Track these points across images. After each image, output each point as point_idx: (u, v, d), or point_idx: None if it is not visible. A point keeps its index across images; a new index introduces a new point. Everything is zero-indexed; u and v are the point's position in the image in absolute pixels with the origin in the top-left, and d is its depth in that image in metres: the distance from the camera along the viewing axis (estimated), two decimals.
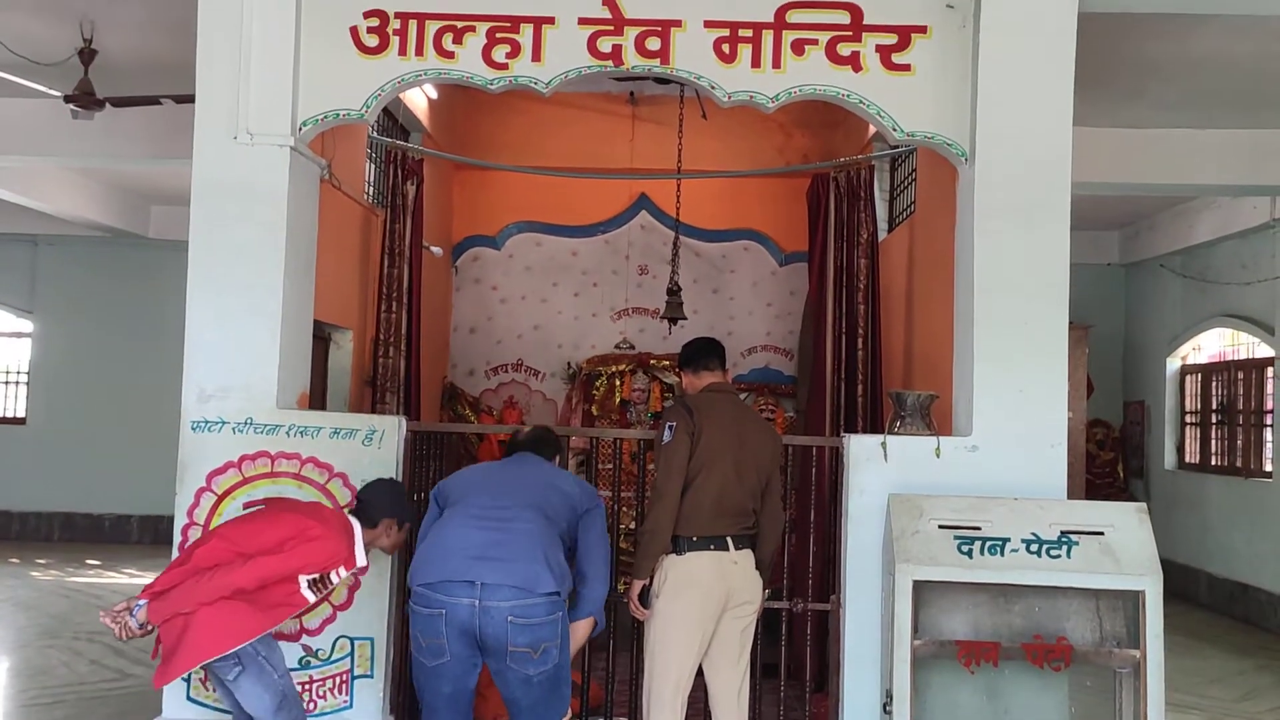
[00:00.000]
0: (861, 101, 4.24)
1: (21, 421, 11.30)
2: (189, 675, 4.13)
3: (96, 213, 10.03)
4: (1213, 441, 9.45)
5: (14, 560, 9.70)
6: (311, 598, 3.44)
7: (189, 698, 4.15)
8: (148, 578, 8.80)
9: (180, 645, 3.32)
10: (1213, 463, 9.42)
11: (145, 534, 11.03)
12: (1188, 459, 9.87)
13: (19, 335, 11.48)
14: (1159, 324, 10.13)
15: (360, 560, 3.53)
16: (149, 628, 3.38)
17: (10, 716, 5.15)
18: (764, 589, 3.93)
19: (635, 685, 4.01)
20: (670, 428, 3.80)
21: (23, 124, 7.11)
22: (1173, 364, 10.01)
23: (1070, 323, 4.24)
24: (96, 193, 10.00)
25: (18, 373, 11.46)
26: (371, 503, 3.67)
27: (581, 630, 3.46)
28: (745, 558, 3.84)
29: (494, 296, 7.61)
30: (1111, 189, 7.35)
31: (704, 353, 4.02)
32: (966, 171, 4.28)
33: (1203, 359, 9.86)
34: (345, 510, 3.75)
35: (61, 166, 8.99)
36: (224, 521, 3.50)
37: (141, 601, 3.39)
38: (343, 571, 3.47)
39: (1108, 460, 10.55)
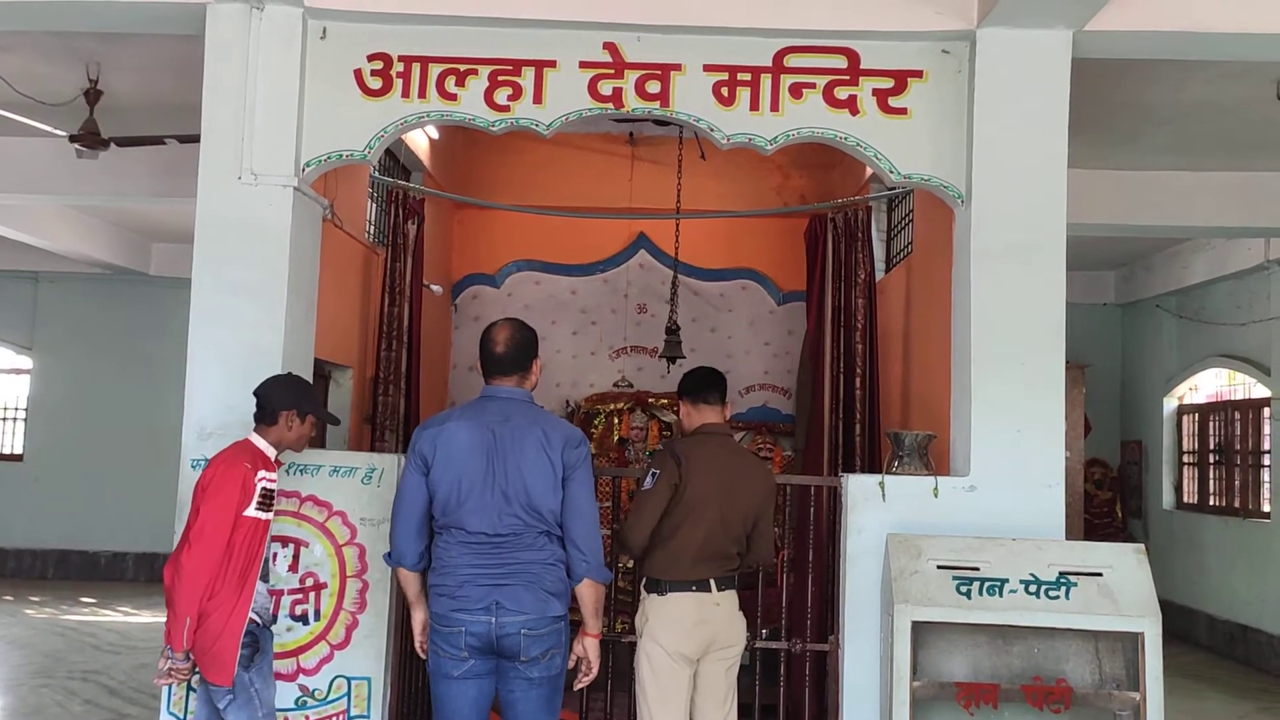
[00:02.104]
0: (859, 144, 4.29)
1: (19, 458, 11.29)
2: (184, 714, 4.10)
3: (98, 250, 10.10)
4: (1211, 481, 9.46)
5: (8, 597, 9.65)
6: (264, 515, 3.45)
7: None
8: (142, 616, 8.83)
9: (212, 644, 3.36)
10: (1211, 503, 9.42)
11: (141, 571, 10.99)
12: (1186, 499, 9.87)
13: (18, 371, 11.50)
14: (1155, 364, 10.17)
15: (271, 454, 3.56)
16: (188, 657, 3.38)
17: None
18: (747, 632, 3.93)
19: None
20: (653, 475, 3.82)
21: (28, 163, 7.19)
22: (1170, 404, 10.04)
23: (1067, 362, 4.26)
24: (98, 230, 10.07)
25: (15, 409, 11.46)
26: (266, 398, 3.63)
27: (587, 592, 3.30)
28: (728, 599, 3.84)
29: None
30: (1107, 230, 7.42)
31: (706, 384, 4.04)
32: (963, 214, 4.33)
33: (1200, 399, 9.89)
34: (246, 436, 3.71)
35: (63, 205, 9.06)
36: None
37: (166, 648, 3.40)
38: (266, 475, 3.47)
39: (1106, 500, 10.55)
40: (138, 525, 10.88)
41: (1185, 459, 9.93)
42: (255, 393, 3.71)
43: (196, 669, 3.45)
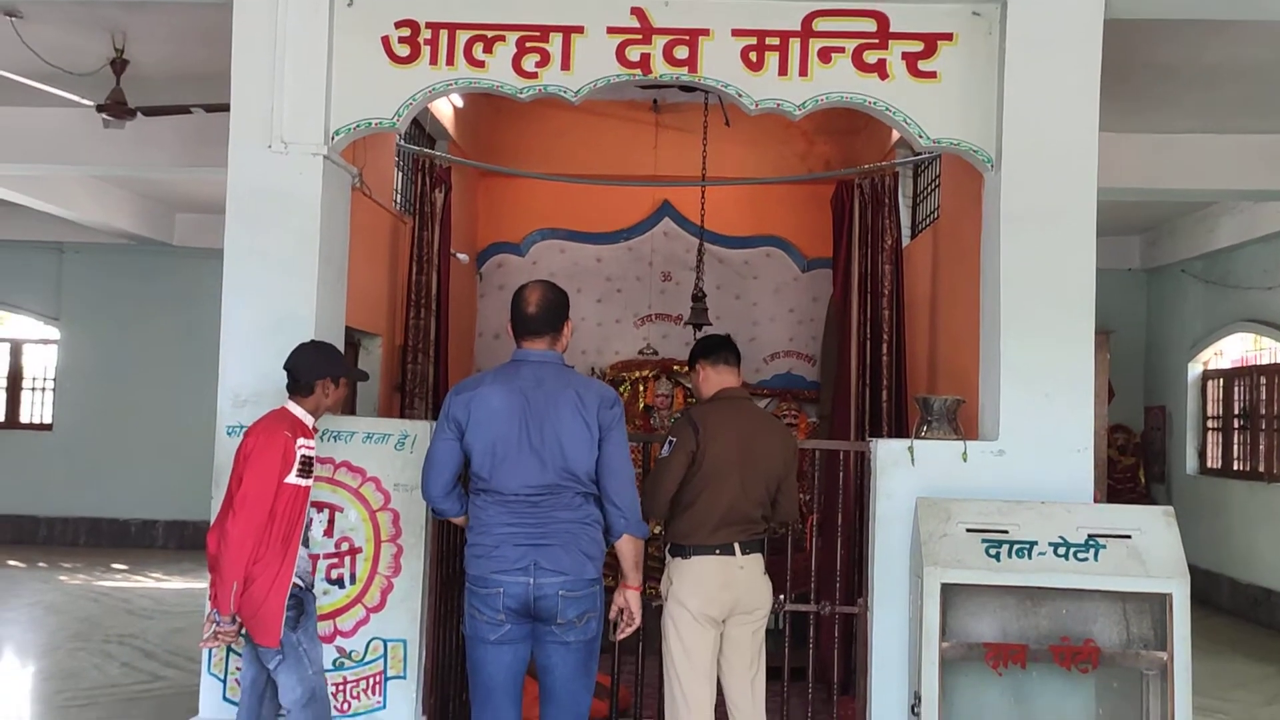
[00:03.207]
0: (888, 109, 4.28)
1: (48, 428, 11.43)
2: (225, 675, 4.21)
3: (122, 220, 10.16)
4: (1235, 446, 9.43)
5: (41, 565, 9.82)
6: (304, 482, 3.52)
7: (225, 698, 4.20)
8: (173, 582, 8.98)
9: (259, 608, 3.44)
10: (1235, 468, 9.40)
11: (171, 539, 11.15)
12: (1209, 464, 9.85)
13: (46, 342, 11.62)
14: (1180, 329, 10.12)
15: (309, 422, 3.63)
16: (236, 620, 3.46)
17: (45, 718, 5.22)
18: (776, 596, 3.97)
19: (663, 689, 4.03)
20: (671, 443, 3.85)
21: (55, 133, 7.23)
22: (1194, 369, 10.00)
23: None
24: (122, 201, 10.14)
25: (44, 379, 11.59)
26: (298, 370, 3.68)
27: (626, 547, 3.36)
28: (752, 562, 3.87)
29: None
30: (1133, 194, 7.36)
31: (722, 345, 4.07)
32: (992, 178, 4.31)
33: (1225, 364, 9.84)
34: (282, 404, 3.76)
35: (88, 175, 9.12)
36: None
37: (213, 611, 3.47)
38: (305, 442, 3.54)
39: (1129, 465, 10.53)
40: (166, 493, 11.04)
41: (1209, 424, 9.90)
42: (286, 366, 3.75)
43: (243, 631, 3.52)
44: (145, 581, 9.16)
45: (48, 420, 11.49)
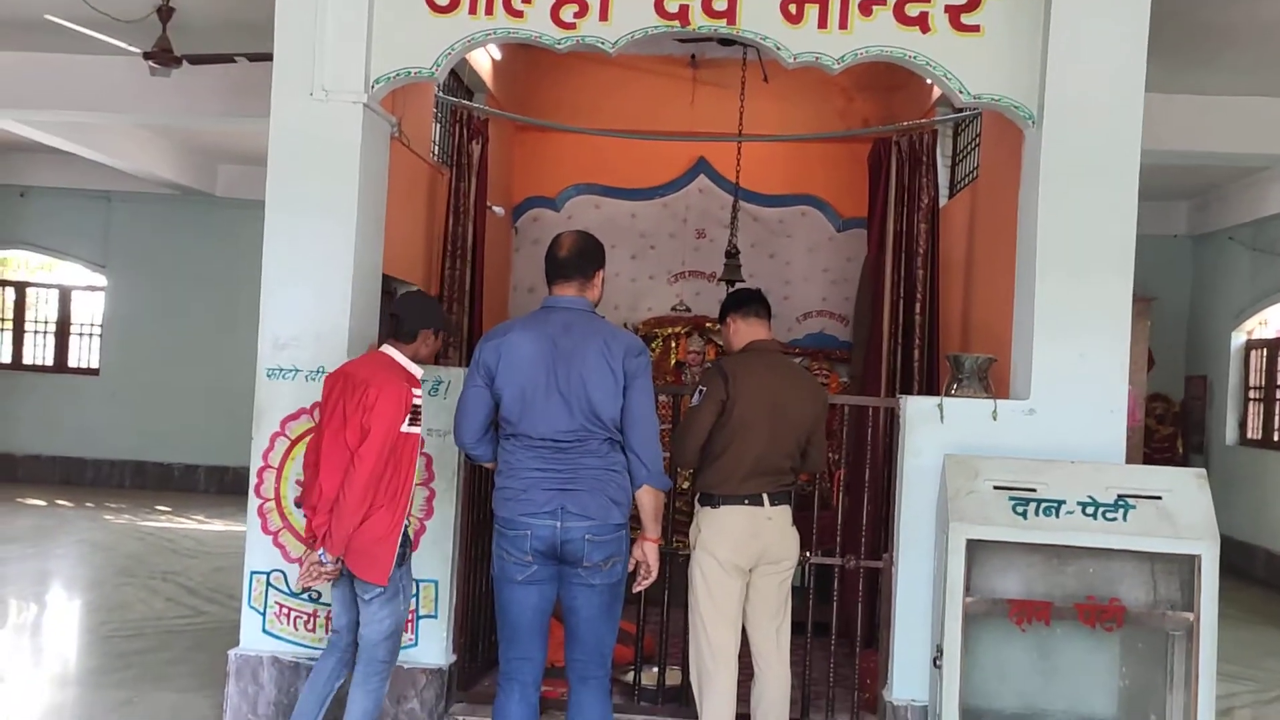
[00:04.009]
0: (929, 63, 4.24)
1: (95, 373, 11.70)
2: (265, 608, 4.34)
3: (167, 170, 10.32)
4: (1277, 417, 9.30)
5: (88, 504, 10.09)
6: (415, 430, 3.61)
7: (264, 630, 4.34)
8: (214, 525, 9.19)
9: (373, 549, 3.54)
10: (1276, 439, 9.28)
11: (211, 484, 11.40)
12: (1249, 435, 9.73)
13: (94, 289, 11.85)
14: (1225, 297, 9.95)
15: (418, 373, 3.71)
16: (338, 561, 3.55)
17: (93, 647, 5.41)
18: (803, 550, 4.00)
19: (688, 637, 4.09)
20: (701, 392, 3.88)
21: (102, 81, 7.35)
22: (1237, 338, 9.85)
23: (1133, 295, 4.22)
24: (168, 150, 10.28)
25: (92, 325, 11.84)
26: (407, 318, 3.74)
27: (646, 498, 3.42)
28: (780, 514, 3.90)
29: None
30: (1181, 157, 7.24)
31: (752, 298, 4.08)
32: (1033, 135, 4.27)
33: (1269, 333, 9.68)
34: (376, 346, 3.81)
35: (135, 124, 9.25)
36: (320, 446, 3.60)
37: (319, 552, 3.54)
38: (416, 392, 3.61)
39: (1166, 435, 10.43)
40: (209, 439, 11.27)
41: (1251, 394, 9.76)
42: (393, 311, 3.81)
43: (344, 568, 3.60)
44: (188, 523, 9.39)
45: (95, 365, 11.75)
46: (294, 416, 4.37)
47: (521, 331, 3.40)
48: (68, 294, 11.96)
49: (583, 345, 3.34)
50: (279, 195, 4.44)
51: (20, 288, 12.05)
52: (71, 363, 11.86)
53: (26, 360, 11.90)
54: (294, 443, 4.37)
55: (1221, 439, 9.91)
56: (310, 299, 4.37)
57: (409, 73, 4.46)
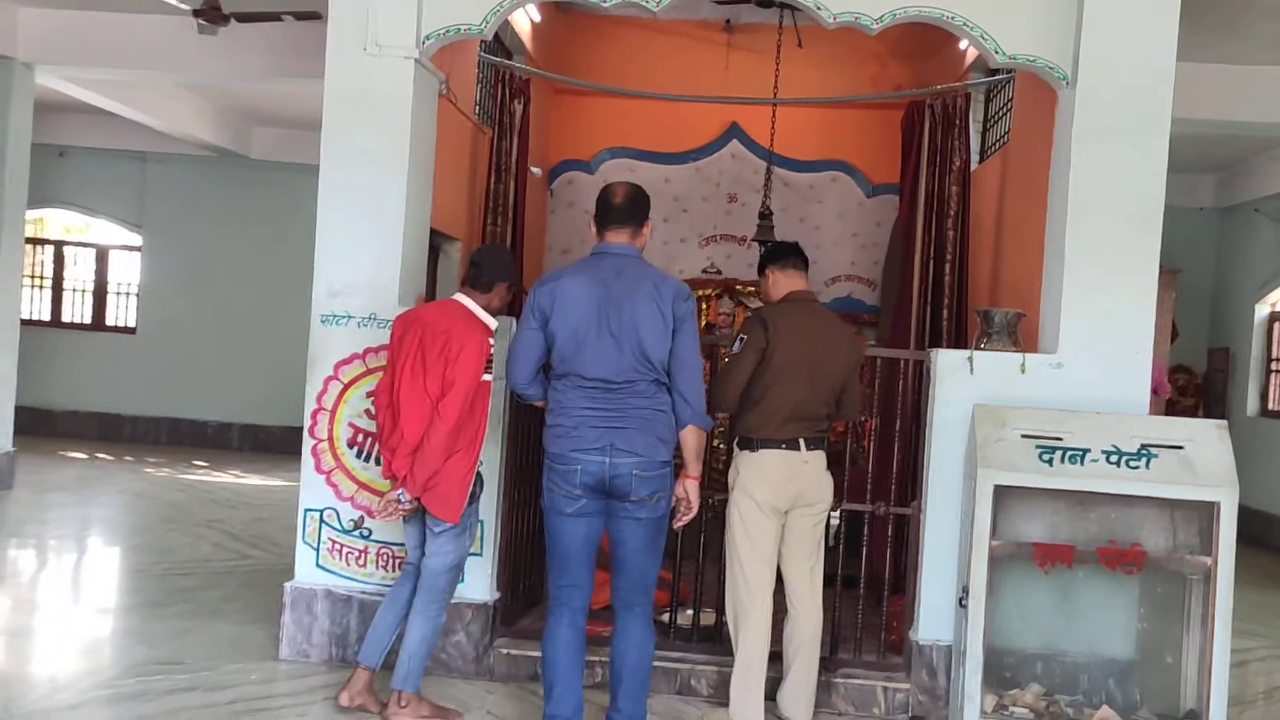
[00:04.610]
0: (965, 23, 4.35)
1: (132, 331, 11.95)
2: (318, 543, 4.54)
3: (204, 131, 10.50)
4: None
5: (128, 459, 10.36)
6: (489, 378, 3.82)
7: (318, 565, 4.54)
8: (251, 479, 9.42)
9: (449, 488, 3.76)
10: None
11: (245, 441, 11.65)
12: (1271, 406, 9.81)
13: (130, 248, 12.08)
14: (1249, 270, 10.01)
15: (493, 325, 3.89)
16: (415, 500, 3.77)
17: (146, 584, 5.64)
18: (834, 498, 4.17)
19: (722, 584, 4.25)
20: (741, 340, 4.03)
21: (149, 39, 7.53)
22: (1261, 310, 9.92)
23: (1159, 267, 4.33)
24: (205, 111, 10.46)
25: (129, 284, 12.08)
26: (487, 268, 3.90)
27: (690, 437, 3.57)
28: (816, 458, 4.06)
29: (586, 220, 7.83)
30: (1208, 126, 7.29)
31: (790, 250, 4.23)
32: (1067, 95, 4.38)
33: None
34: (423, 296, 3.96)
35: (173, 84, 9.43)
36: (399, 392, 3.77)
37: (399, 492, 3.75)
38: (490, 342, 3.82)
39: (1188, 407, 10.50)
40: (242, 398, 11.53)
41: (1273, 366, 9.84)
42: (474, 260, 3.98)
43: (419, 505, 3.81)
44: (225, 477, 9.64)
45: (131, 324, 11.99)
46: (346, 361, 4.55)
47: (575, 276, 3.56)
48: (105, 253, 12.20)
49: (634, 289, 3.49)
50: (333, 148, 4.60)
51: (58, 246, 12.29)
52: (109, 321, 12.11)
53: (65, 318, 12.16)
54: (346, 386, 4.55)
55: (1243, 410, 9.99)
56: (363, 249, 4.54)
57: (459, 29, 4.60)
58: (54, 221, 12.69)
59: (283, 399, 11.45)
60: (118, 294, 12.15)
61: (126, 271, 12.14)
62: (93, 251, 12.26)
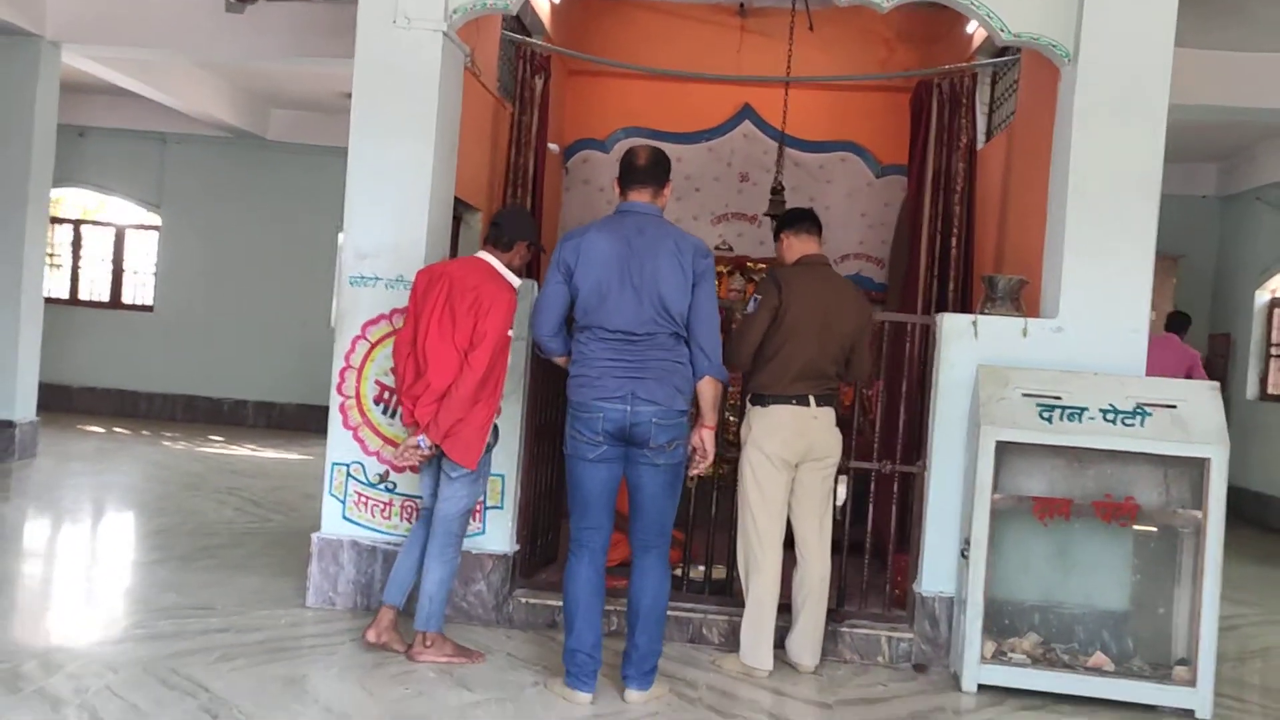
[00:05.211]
0: (972, 2, 4.52)
1: (149, 309, 12.14)
2: (344, 496, 4.73)
3: (222, 111, 10.67)
4: None
5: (145, 433, 10.55)
6: (510, 333, 4.00)
7: (344, 517, 4.73)
8: (267, 453, 9.60)
9: (469, 436, 3.93)
10: None
11: (260, 418, 11.84)
12: (1270, 390, 9.98)
13: (147, 228, 12.27)
14: (1251, 257, 10.16)
15: (515, 282, 4.07)
16: (434, 447, 3.95)
17: (173, 542, 5.83)
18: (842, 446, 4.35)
19: (733, 543, 4.43)
20: (756, 300, 4.23)
21: (176, 18, 7.70)
22: (1261, 296, 10.07)
23: (1161, 254, 4.50)
24: (224, 92, 10.64)
25: (147, 263, 12.27)
26: (508, 227, 4.09)
27: (707, 388, 3.76)
28: (825, 414, 4.25)
29: (601, 198, 8.04)
30: (1212, 112, 7.44)
31: (805, 217, 4.42)
32: (1069, 72, 4.55)
33: None
34: (477, 255, 4.15)
35: (192, 64, 9.61)
36: (425, 342, 3.94)
37: (420, 438, 3.92)
38: (513, 299, 4.00)
39: None
40: (257, 375, 11.73)
41: (1273, 351, 10.00)
42: (495, 220, 4.17)
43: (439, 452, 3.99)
44: (241, 450, 9.83)
45: (149, 302, 12.18)
46: (374, 321, 4.73)
47: (599, 231, 3.74)
48: (122, 232, 12.38)
49: (655, 245, 3.68)
50: (363, 118, 4.78)
51: (76, 225, 12.48)
52: (126, 299, 12.31)
53: (83, 296, 12.36)
54: (373, 345, 4.74)
55: (1243, 394, 10.15)
56: (390, 215, 4.73)
57: (485, 4, 4.77)
58: (71, 201, 12.89)
59: (297, 377, 11.68)
60: (136, 273, 12.34)
61: (144, 251, 12.33)
62: (111, 231, 12.45)
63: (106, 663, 3.77)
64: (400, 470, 4.15)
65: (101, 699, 3.40)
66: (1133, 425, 4.13)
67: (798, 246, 4.38)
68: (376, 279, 4.73)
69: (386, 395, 4.72)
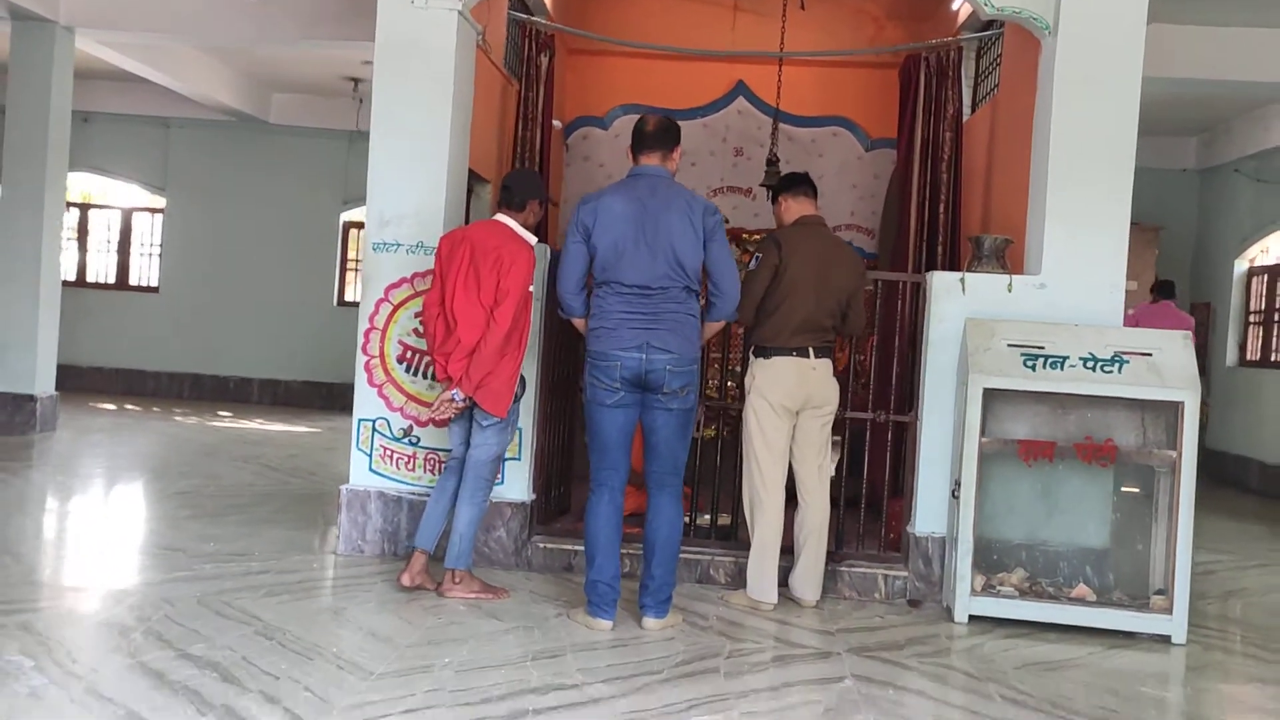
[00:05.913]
0: None
1: (155, 290, 12.37)
2: (370, 450, 5.01)
3: (225, 95, 10.90)
4: (1275, 339, 9.88)
5: (155, 409, 10.80)
6: (532, 290, 4.28)
7: (371, 469, 5.01)
8: (275, 427, 9.87)
9: (498, 386, 4.20)
10: (1273, 359, 9.87)
11: (265, 396, 12.11)
12: (1249, 357, 10.32)
13: (153, 210, 12.49)
14: (1230, 227, 10.49)
15: (532, 241, 4.34)
16: (467, 399, 4.22)
17: (201, 502, 6.09)
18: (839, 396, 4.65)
19: (738, 490, 4.72)
20: (757, 259, 4.53)
21: (189, 3, 7.92)
22: (1240, 265, 10.40)
23: (1140, 224, 4.79)
24: (227, 76, 10.86)
25: (152, 245, 12.50)
26: (518, 188, 4.36)
27: (715, 326, 4.20)
28: (823, 365, 4.54)
29: (601, 173, 8.29)
30: (1190, 86, 7.74)
31: (802, 181, 4.71)
32: (1049, 44, 4.83)
33: (1270, 260, 10.23)
34: (494, 218, 4.39)
35: (197, 49, 9.82)
36: (453, 303, 4.20)
37: (454, 391, 4.19)
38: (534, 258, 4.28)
39: None
40: (260, 354, 12.01)
41: (1251, 319, 10.34)
42: (505, 184, 4.44)
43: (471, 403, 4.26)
44: (251, 424, 10.09)
45: (155, 283, 12.42)
46: (396, 285, 5.00)
47: (614, 194, 4.02)
48: (128, 215, 12.60)
49: (667, 204, 3.96)
50: (384, 92, 5.04)
51: (83, 209, 12.68)
52: (132, 280, 12.53)
53: (90, 278, 12.57)
54: (396, 307, 5.01)
55: (1222, 361, 10.50)
56: (411, 183, 4.99)
57: None
58: (76, 185, 13.08)
59: (301, 355, 11.96)
60: (142, 254, 12.56)
61: (150, 232, 12.55)
62: (117, 214, 12.66)
63: (163, 597, 4.05)
64: (439, 425, 4.41)
65: (164, 625, 3.68)
66: (1111, 372, 4.43)
67: (795, 208, 4.66)
68: (398, 244, 4.99)
69: (409, 354, 5.00)
